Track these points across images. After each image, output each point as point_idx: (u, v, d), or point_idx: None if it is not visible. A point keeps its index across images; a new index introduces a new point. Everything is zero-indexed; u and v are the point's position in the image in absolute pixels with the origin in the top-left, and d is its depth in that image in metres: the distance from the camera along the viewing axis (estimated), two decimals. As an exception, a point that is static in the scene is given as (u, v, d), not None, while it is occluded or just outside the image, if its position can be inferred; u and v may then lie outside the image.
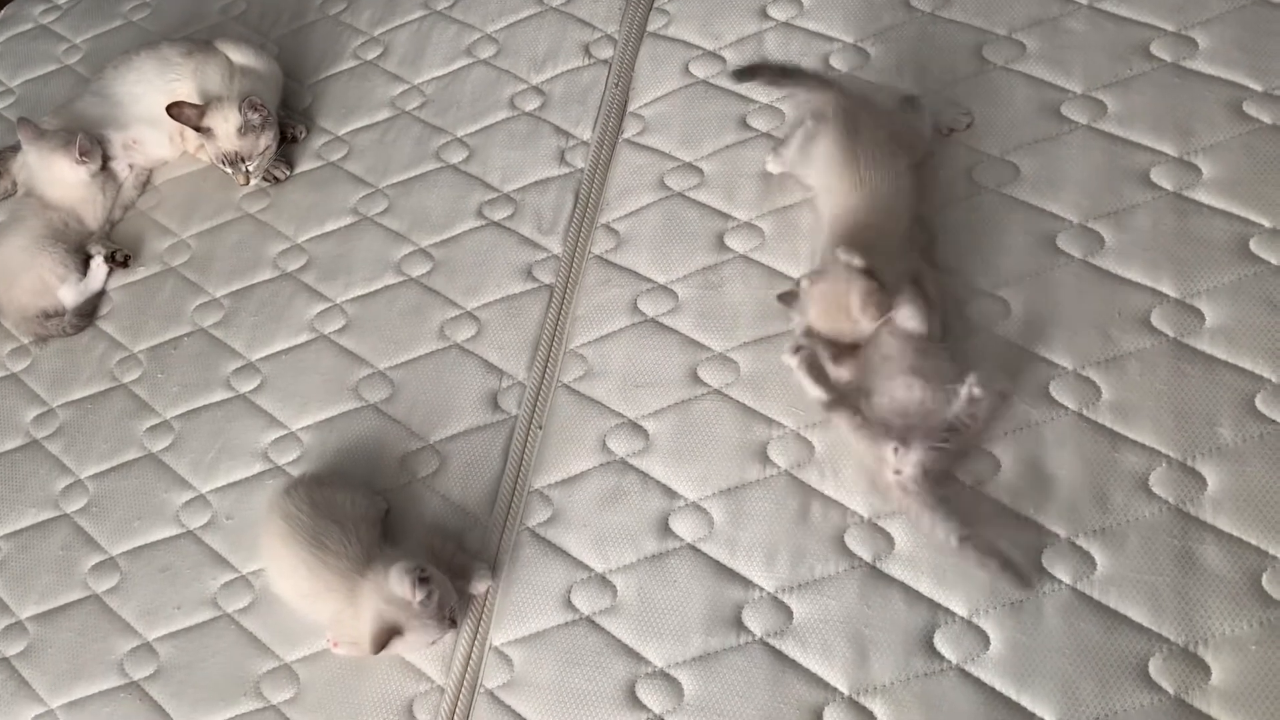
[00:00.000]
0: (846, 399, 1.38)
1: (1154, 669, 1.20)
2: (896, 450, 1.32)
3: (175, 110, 1.89)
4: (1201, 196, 1.46)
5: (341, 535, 1.44)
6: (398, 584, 1.36)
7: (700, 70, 1.81)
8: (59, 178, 1.96)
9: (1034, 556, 1.29)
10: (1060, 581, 1.27)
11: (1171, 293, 1.41)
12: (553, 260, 1.73)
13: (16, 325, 1.94)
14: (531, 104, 1.90)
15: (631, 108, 1.83)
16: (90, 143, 1.95)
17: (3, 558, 1.72)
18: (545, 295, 1.70)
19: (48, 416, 1.84)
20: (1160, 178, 1.49)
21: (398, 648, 1.39)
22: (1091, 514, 1.30)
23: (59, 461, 1.79)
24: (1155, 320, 1.39)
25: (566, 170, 1.81)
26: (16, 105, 2.26)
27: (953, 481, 1.34)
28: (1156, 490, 1.29)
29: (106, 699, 1.55)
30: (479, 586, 1.46)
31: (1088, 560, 1.28)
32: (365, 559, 1.42)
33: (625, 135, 1.80)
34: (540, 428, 1.58)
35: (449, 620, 1.40)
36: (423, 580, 1.36)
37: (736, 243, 1.63)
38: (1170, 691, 1.19)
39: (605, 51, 1.91)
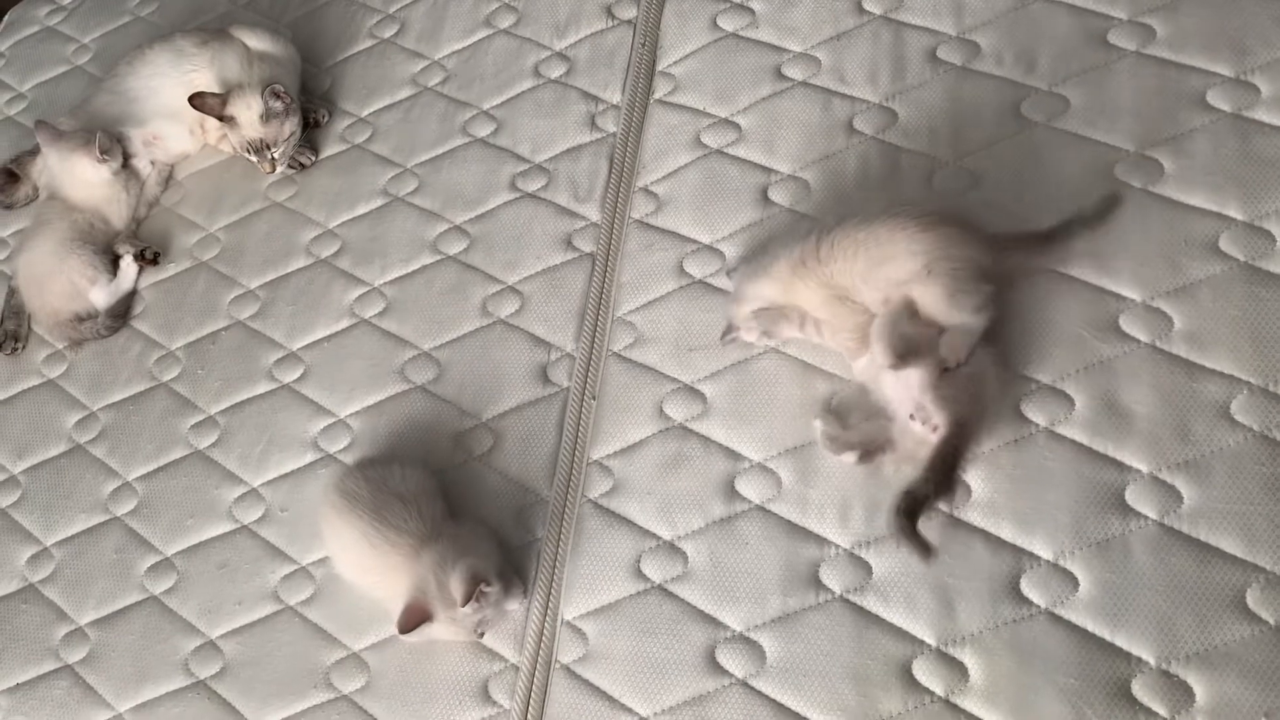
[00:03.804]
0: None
1: (1252, 600, 1.17)
2: (913, 416, 1.29)
3: (197, 100, 1.85)
4: (1262, 115, 1.42)
5: (403, 510, 1.42)
6: (455, 584, 1.34)
7: (729, 23, 1.77)
8: (81, 178, 1.93)
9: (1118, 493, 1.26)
10: (1146, 518, 1.24)
11: (1239, 216, 1.37)
12: (592, 228, 1.69)
13: (50, 330, 1.91)
14: (557, 71, 1.86)
15: (660, 67, 1.79)
16: (109, 140, 1.91)
17: (56, 565, 1.70)
18: (587, 264, 1.66)
19: (89, 420, 1.82)
20: (1217, 99, 1.44)
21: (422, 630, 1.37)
22: (1173, 447, 1.27)
23: (104, 465, 1.76)
24: (1224, 245, 1.35)
25: (598, 136, 1.77)
26: (30, 109, 2.23)
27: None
28: (1239, 418, 1.26)
29: (175, 699, 1.54)
30: (510, 604, 1.42)
31: (1173, 494, 1.24)
32: (430, 533, 1.41)
33: (656, 95, 1.76)
34: (594, 398, 1.56)
35: (478, 633, 1.39)
36: (481, 594, 1.34)
37: (781, 196, 1.59)
38: (1271, 622, 1.16)
39: (628, 11, 1.87)
